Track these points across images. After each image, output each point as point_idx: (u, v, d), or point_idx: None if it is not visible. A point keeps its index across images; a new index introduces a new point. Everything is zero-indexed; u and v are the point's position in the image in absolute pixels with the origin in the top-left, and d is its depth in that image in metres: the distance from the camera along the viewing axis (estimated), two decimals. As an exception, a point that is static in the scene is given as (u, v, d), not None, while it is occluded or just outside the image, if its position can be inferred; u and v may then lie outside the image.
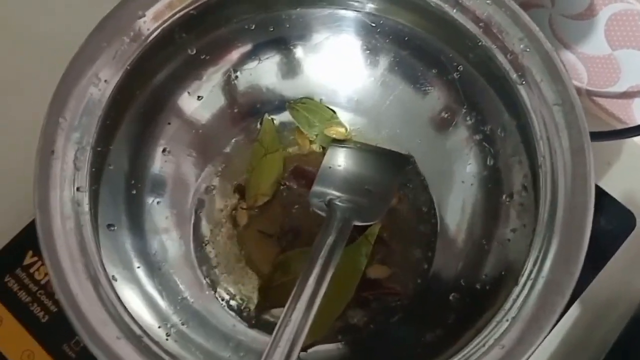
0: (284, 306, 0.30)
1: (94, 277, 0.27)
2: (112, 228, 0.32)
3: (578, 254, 0.27)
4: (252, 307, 0.37)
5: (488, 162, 0.35)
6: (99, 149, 0.30)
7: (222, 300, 0.37)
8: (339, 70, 0.39)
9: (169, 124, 0.36)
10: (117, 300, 0.28)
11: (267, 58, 0.38)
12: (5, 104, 0.44)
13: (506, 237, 0.32)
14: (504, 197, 0.33)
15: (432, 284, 0.36)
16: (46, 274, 0.38)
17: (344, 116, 0.40)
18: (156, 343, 0.28)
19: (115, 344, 0.26)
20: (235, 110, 0.39)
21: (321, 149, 0.40)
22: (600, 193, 0.40)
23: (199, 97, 0.37)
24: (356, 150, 0.39)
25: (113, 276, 0.29)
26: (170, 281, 0.35)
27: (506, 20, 0.30)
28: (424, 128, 0.38)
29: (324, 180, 0.38)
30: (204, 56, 0.35)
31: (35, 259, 0.39)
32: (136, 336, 0.27)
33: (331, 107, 0.40)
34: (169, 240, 0.36)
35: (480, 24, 0.30)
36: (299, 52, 0.38)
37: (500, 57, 0.30)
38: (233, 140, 0.39)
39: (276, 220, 0.39)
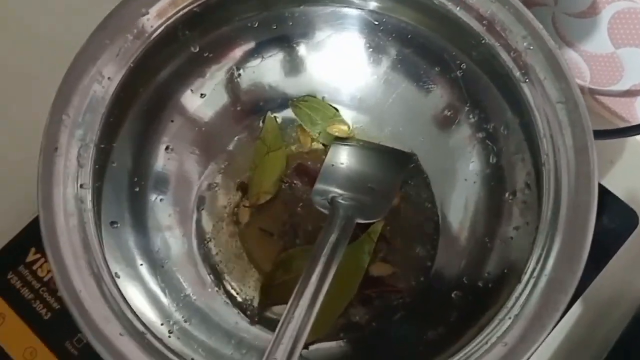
0: (286, 304, 0.30)
1: (97, 274, 0.27)
2: (115, 225, 0.32)
3: (581, 252, 0.27)
4: (255, 304, 0.37)
5: (491, 160, 0.35)
6: (102, 146, 0.30)
7: (225, 297, 0.37)
8: (341, 68, 0.39)
9: (172, 121, 0.36)
10: (120, 297, 0.28)
11: (270, 56, 0.38)
12: (5, 103, 0.44)
13: (509, 235, 0.32)
14: (506, 195, 0.33)
15: (434, 281, 0.37)
16: (49, 271, 0.38)
17: (346, 114, 0.40)
18: (159, 340, 0.28)
19: (118, 341, 0.26)
20: (238, 108, 0.39)
21: (323, 147, 0.40)
22: (603, 191, 0.40)
23: (202, 94, 0.37)
24: (359, 148, 0.39)
25: (116, 273, 0.29)
26: (172, 278, 0.35)
27: (509, 18, 0.30)
28: (427, 126, 0.38)
29: (326, 178, 0.38)
30: (207, 54, 0.35)
31: (38, 256, 0.39)
32: (139, 333, 0.27)
33: (334, 105, 0.40)
34: (172, 238, 0.36)
35: (484, 22, 0.30)
36: (301, 50, 0.38)
37: (504, 54, 0.30)
38: (236, 138, 0.39)
39: (278, 218, 0.39)
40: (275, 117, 0.40)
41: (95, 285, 0.27)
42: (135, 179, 0.35)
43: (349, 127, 0.40)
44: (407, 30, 0.35)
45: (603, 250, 0.40)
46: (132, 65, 0.30)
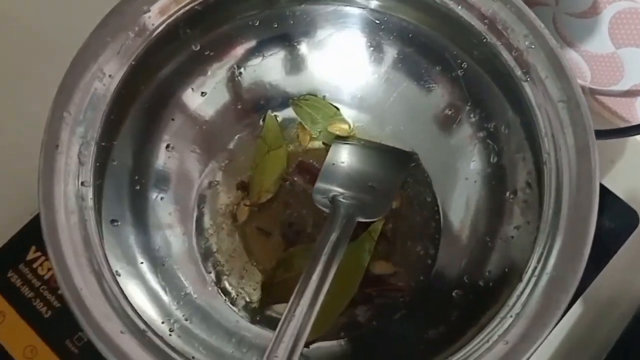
0: (286, 302, 0.30)
1: (98, 271, 0.27)
2: (116, 223, 0.32)
3: (582, 251, 0.27)
4: (255, 303, 0.37)
5: (492, 159, 0.35)
6: (103, 143, 0.30)
7: (226, 295, 0.37)
8: (342, 67, 0.39)
9: (173, 119, 0.36)
10: (121, 295, 0.28)
11: (271, 54, 0.38)
12: (6, 101, 0.44)
13: (510, 234, 0.32)
14: (507, 194, 0.33)
15: (435, 280, 0.37)
16: (49, 270, 0.38)
17: (347, 113, 0.40)
18: (160, 338, 0.28)
19: (119, 339, 0.26)
20: (239, 107, 0.39)
21: (324, 146, 0.40)
22: (604, 191, 0.40)
23: (203, 93, 0.37)
24: (360, 147, 0.39)
25: (117, 271, 0.29)
26: (173, 276, 0.35)
27: (511, 17, 0.30)
28: (428, 125, 0.38)
29: (327, 177, 0.38)
30: (208, 52, 0.35)
31: (39, 254, 0.39)
32: (140, 331, 0.27)
33: (335, 103, 0.40)
34: (173, 236, 0.36)
35: (485, 21, 0.30)
36: (303, 48, 0.38)
37: (505, 54, 0.30)
38: (237, 137, 0.39)
39: (276, 217, 0.39)
40: (276, 115, 0.40)
41: (96, 283, 0.27)
42: (136, 177, 0.34)
43: (349, 126, 0.40)
44: (409, 29, 0.35)
45: (603, 249, 0.40)
46: (133, 62, 0.30)
